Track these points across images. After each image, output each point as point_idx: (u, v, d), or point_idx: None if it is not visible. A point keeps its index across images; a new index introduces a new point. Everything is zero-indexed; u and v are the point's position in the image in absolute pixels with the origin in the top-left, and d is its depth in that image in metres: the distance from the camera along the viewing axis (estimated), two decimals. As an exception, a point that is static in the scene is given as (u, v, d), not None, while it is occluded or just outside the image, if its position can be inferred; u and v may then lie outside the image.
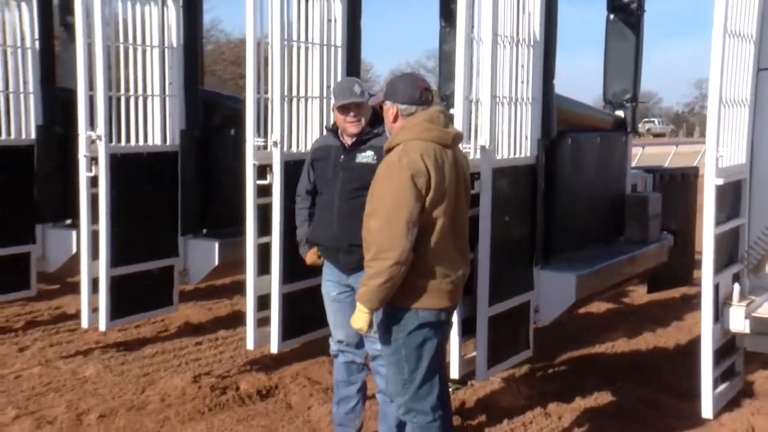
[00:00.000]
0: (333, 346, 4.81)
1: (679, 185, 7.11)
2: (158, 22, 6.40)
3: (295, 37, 5.75)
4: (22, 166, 7.11)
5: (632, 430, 5.32)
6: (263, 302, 5.67)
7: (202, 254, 6.66)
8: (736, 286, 5.00)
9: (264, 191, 5.56)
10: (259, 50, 5.49)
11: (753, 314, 4.99)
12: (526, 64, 5.32)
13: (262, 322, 5.75)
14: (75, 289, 8.41)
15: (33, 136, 7.17)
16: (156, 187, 6.47)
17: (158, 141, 6.48)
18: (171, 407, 5.46)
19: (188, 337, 7.16)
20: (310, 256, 4.80)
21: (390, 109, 4.01)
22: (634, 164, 7.70)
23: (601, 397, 5.76)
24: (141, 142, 6.36)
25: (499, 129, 5.16)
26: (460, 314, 4.87)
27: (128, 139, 6.26)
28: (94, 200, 6.06)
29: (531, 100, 5.38)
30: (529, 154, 5.39)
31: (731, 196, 4.96)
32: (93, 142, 5.99)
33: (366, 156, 4.52)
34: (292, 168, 5.40)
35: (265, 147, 5.54)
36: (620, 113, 6.65)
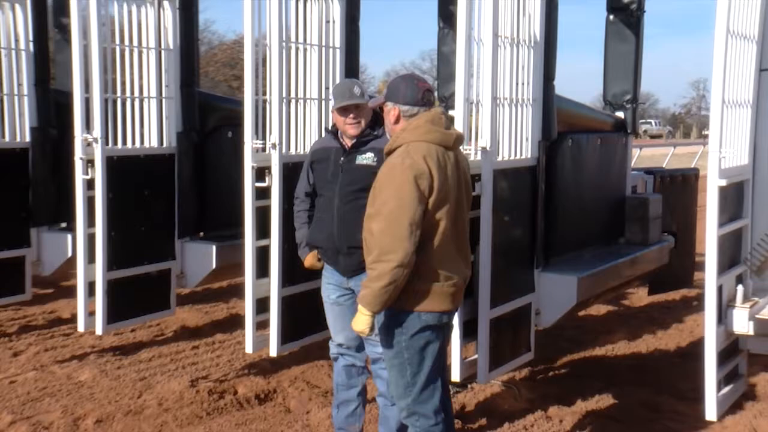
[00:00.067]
0: (333, 350, 4.78)
1: (680, 187, 7.09)
2: (155, 23, 6.35)
3: (293, 39, 5.71)
4: (16, 169, 7.06)
5: (634, 433, 5.30)
6: (261, 305, 5.62)
7: (199, 257, 6.62)
8: (740, 288, 4.98)
9: (262, 193, 5.51)
10: (257, 52, 5.45)
11: (756, 316, 4.97)
12: (527, 65, 5.29)
13: (261, 325, 5.71)
14: (69, 293, 8.41)
15: (28, 138, 7.12)
16: (153, 190, 6.42)
17: (155, 143, 6.44)
18: (169, 412, 5.42)
19: (185, 340, 7.11)
20: (309, 259, 4.77)
21: (391, 111, 3.97)
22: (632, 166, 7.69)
23: (603, 400, 5.73)
24: (137, 144, 6.31)
25: (500, 130, 5.13)
26: (461, 317, 4.85)
27: (124, 142, 6.21)
28: (90, 203, 6.01)
29: (531, 101, 5.35)
30: (529, 155, 5.37)
31: (734, 197, 4.94)
32: (89, 144, 5.94)
33: (366, 158, 4.49)
34: (291, 170, 5.37)
35: (264, 149, 5.49)
36: (620, 114, 6.63)
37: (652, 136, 54.04)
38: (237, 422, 5.29)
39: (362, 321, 3.84)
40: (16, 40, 7.07)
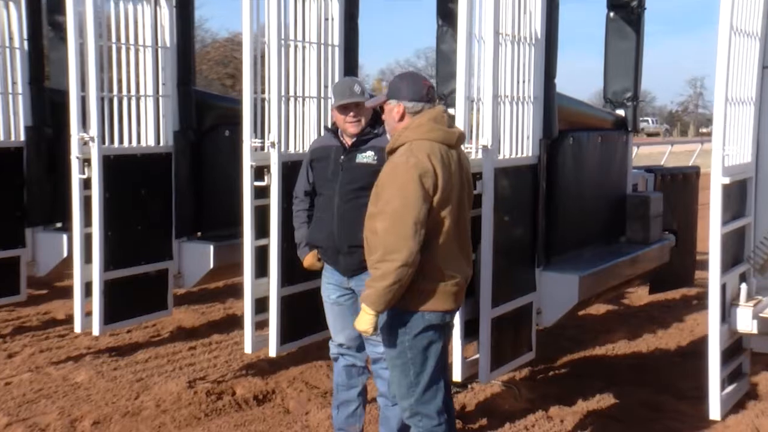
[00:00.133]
0: (333, 350, 4.75)
1: (680, 185, 7.07)
2: (151, 21, 6.30)
3: (292, 36, 5.66)
4: (11, 169, 6.99)
5: (636, 433, 5.27)
6: (260, 305, 5.58)
7: (196, 257, 6.57)
8: (743, 286, 4.96)
9: (261, 192, 5.47)
10: (255, 49, 5.41)
11: (760, 314, 4.95)
12: (528, 63, 5.26)
13: (260, 325, 5.67)
14: (63, 293, 8.37)
15: (22, 137, 7.05)
16: (149, 189, 6.37)
17: (151, 142, 6.38)
18: (166, 413, 5.38)
19: (181, 341, 7.06)
20: (309, 259, 4.74)
21: (395, 108, 3.94)
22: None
23: (603, 400, 5.71)
24: (134, 143, 6.26)
25: (501, 129, 5.09)
26: (462, 316, 4.83)
27: (121, 141, 6.15)
28: (86, 203, 5.95)
29: (532, 99, 5.32)
30: (530, 153, 5.34)
31: (737, 195, 4.92)
32: (85, 143, 5.89)
33: (366, 156, 4.47)
34: (290, 169, 5.33)
35: (263, 148, 5.45)
36: (621, 112, 6.60)
37: (649, 134, 54.10)
38: (236, 423, 5.25)
39: (366, 320, 3.80)
40: (11, 38, 7.00)
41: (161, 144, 6.44)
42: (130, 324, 6.76)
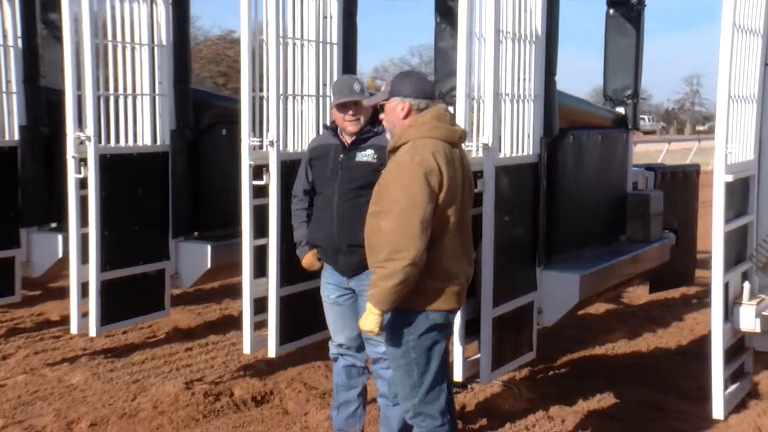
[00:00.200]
0: (333, 350, 4.72)
1: (681, 183, 7.05)
2: (147, 19, 6.24)
3: (290, 34, 5.62)
4: (5, 168, 6.91)
5: (638, 433, 5.25)
6: (259, 306, 5.53)
7: (194, 257, 6.51)
8: (746, 285, 4.94)
9: (260, 192, 5.43)
10: (253, 47, 5.36)
11: (763, 313, 4.92)
12: (528, 61, 5.23)
13: (258, 326, 5.62)
14: (57, 294, 8.33)
15: (17, 137, 6.98)
16: (146, 189, 6.31)
17: (148, 141, 6.32)
18: (164, 414, 5.34)
19: (178, 342, 7.02)
20: (308, 258, 4.71)
21: (399, 105, 3.91)
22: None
23: (604, 400, 5.69)
24: (130, 142, 6.20)
25: (502, 127, 5.06)
26: (463, 316, 4.80)
27: (117, 140, 6.09)
28: (82, 202, 5.90)
29: (533, 97, 5.29)
30: (531, 152, 5.31)
31: (740, 193, 4.89)
32: (82, 142, 5.83)
33: (366, 155, 4.45)
34: (289, 168, 5.28)
35: (261, 147, 5.40)
36: (620, 110, 6.57)
37: (646, 132, 54.12)
38: (234, 425, 5.22)
39: (371, 320, 3.77)
40: (4, 36, 6.92)
41: (158, 143, 6.38)
42: (127, 325, 6.71)
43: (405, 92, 3.89)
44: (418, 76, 4.03)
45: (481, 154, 4.94)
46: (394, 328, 3.86)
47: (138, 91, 6.26)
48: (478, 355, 5.02)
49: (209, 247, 6.50)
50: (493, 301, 4.93)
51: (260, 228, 5.44)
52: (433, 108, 3.90)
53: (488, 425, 5.24)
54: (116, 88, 6.10)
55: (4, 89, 6.94)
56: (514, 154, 5.19)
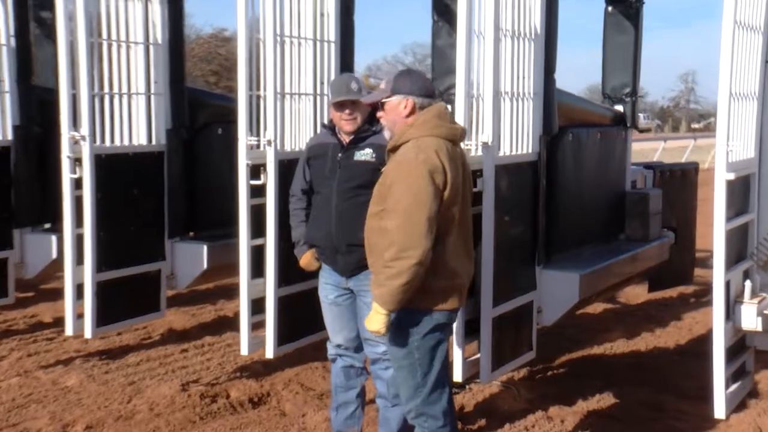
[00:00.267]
0: (331, 351, 4.70)
1: (679, 181, 7.04)
2: (142, 18, 6.19)
3: (287, 32, 5.57)
4: (-2, 169, 6.86)
5: (638, 432, 5.23)
6: (256, 306, 5.48)
7: (189, 258, 6.47)
8: (748, 283, 4.92)
9: (257, 191, 5.38)
10: (250, 46, 5.32)
11: (765, 312, 4.90)
12: (527, 59, 5.20)
13: (255, 326, 5.56)
14: (50, 296, 8.28)
15: (9, 136, 6.91)
16: (142, 189, 6.26)
17: (143, 141, 6.26)
18: (160, 416, 5.29)
19: (173, 344, 6.97)
20: (306, 258, 4.68)
21: (402, 103, 3.88)
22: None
23: (603, 400, 5.67)
24: (126, 142, 6.14)
25: (501, 125, 5.03)
26: (462, 315, 4.75)
27: (112, 139, 6.04)
28: (77, 203, 5.83)
29: (532, 95, 5.26)
30: (530, 150, 5.27)
31: (740, 191, 4.87)
32: (76, 142, 5.77)
33: (365, 154, 4.43)
34: (287, 167, 5.23)
35: (258, 146, 5.36)
36: (619, 108, 6.55)
37: (641, 130, 54.27)
38: (232, 426, 5.17)
39: (378, 320, 3.73)
40: (-3, 35, 6.87)
41: (153, 143, 6.32)
42: (123, 326, 6.64)
43: (408, 90, 3.86)
44: (419, 74, 4.00)
45: (480, 153, 4.90)
46: (398, 328, 3.83)
47: (133, 90, 6.20)
48: (478, 356, 4.98)
49: (205, 248, 6.45)
50: (493, 301, 4.89)
51: (257, 228, 5.39)
52: (434, 106, 3.89)
53: (487, 426, 5.21)
54: (111, 87, 6.05)
55: (-4, 88, 6.87)
56: (514, 152, 5.16)
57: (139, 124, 6.24)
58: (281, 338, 5.46)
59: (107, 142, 5.98)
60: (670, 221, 6.67)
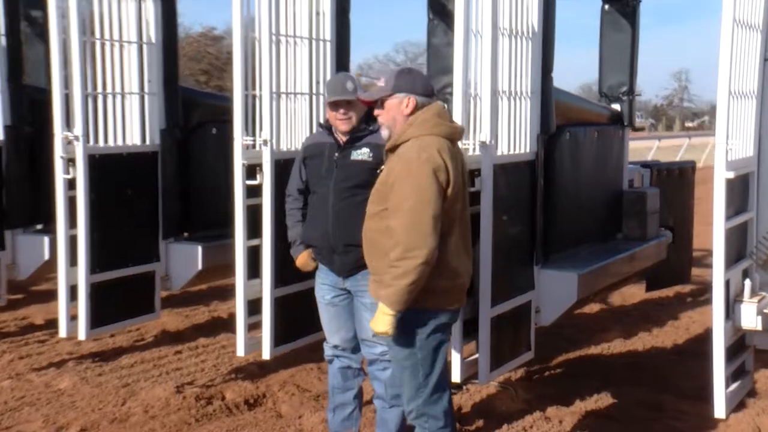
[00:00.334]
0: (328, 352, 4.67)
1: (677, 180, 7.03)
2: (135, 17, 6.14)
3: (283, 32, 5.53)
4: (-11, 170, 6.79)
5: (636, 432, 5.21)
6: (252, 307, 5.45)
7: (184, 259, 6.42)
8: (747, 282, 4.90)
9: (253, 192, 5.34)
10: (246, 45, 5.28)
11: (765, 311, 4.89)
12: (525, 57, 5.17)
13: (251, 327, 5.53)
14: (41, 298, 8.21)
15: (0, 137, 6.83)
16: (136, 189, 6.21)
17: (137, 141, 6.21)
18: (155, 419, 5.24)
19: (167, 345, 6.92)
20: (302, 258, 4.65)
21: (405, 101, 3.84)
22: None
23: (601, 400, 5.65)
24: (119, 142, 6.09)
25: (499, 124, 5.00)
26: (461, 316, 4.71)
27: (106, 140, 5.99)
28: (71, 203, 5.79)
29: (530, 94, 5.24)
30: (528, 149, 5.25)
31: (740, 190, 4.85)
32: (70, 142, 5.72)
33: (362, 153, 4.40)
34: (283, 167, 5.20)
35: (254, 146, 5.32)
36: (616, 106, 6.54)
37: (635, 129, 54.38)
38: (228, 428, 5.13)
39: (384, 321, 3.69)
40: (-13, 34, 6.81)
41: (147, 143, 6.28)
42: (117, 328, 6.59)
43: (410, 88, 3.83)
44: (419, 72, 3.97)
45: (478, 152, 4.87)
46: (402, 328, 3.78)
47: (126, 89, 6.15)
48: (476, 356, 4.96)
49: (200, 248, 6.41)
50: (491, 301, 4.87)
51: (253, 228, 5.35)
52: (432, 105, 3.86)
53: (485, 426, 5.18)
54: (104, 87, 6.00)
55: (-13, 89, 6.81)
56: (511, 151, 5.13)
57: (132, 124, 6.19)
58: (278, 339, 5.43)
59: (101, 143, 5.93)
60: (667, 220, 6.66)
